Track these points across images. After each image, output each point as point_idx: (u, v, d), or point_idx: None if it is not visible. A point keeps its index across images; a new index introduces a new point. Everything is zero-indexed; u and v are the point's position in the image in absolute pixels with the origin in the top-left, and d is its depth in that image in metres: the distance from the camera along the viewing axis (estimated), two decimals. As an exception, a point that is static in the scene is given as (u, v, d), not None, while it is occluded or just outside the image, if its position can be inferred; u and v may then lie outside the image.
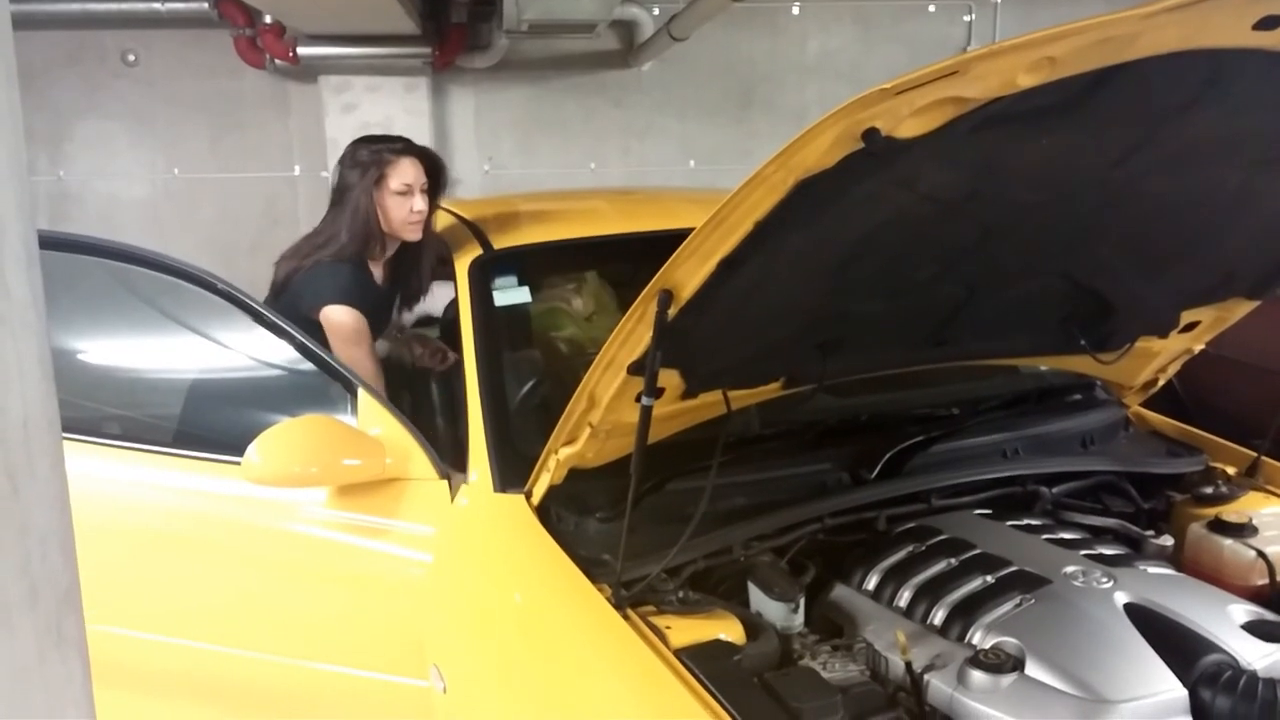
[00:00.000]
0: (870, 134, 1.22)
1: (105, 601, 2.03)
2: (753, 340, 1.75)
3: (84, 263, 2.21)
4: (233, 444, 1.99)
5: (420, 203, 2.50)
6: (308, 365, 2.16)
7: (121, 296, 2.41)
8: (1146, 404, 2.47)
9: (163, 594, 2.25)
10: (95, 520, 2.04)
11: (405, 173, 2.49)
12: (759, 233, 1.36)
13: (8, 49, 0.81)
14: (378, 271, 2.60)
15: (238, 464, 1.94)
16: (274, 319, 2.12)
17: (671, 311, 1.48)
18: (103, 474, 2.22)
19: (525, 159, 6.50)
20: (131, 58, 6.18)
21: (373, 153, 2.51)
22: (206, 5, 5.75)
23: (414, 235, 2.54)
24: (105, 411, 2.44)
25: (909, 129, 1.23)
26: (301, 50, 5.81)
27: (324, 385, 2.19)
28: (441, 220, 2.76)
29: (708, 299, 1.48)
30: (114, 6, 5.76)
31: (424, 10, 5.51)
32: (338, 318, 2.43)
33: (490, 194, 6.20)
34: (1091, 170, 1.52)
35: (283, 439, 1.95)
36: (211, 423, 2.39)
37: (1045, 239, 1.71)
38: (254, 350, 2.27)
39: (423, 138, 6.17)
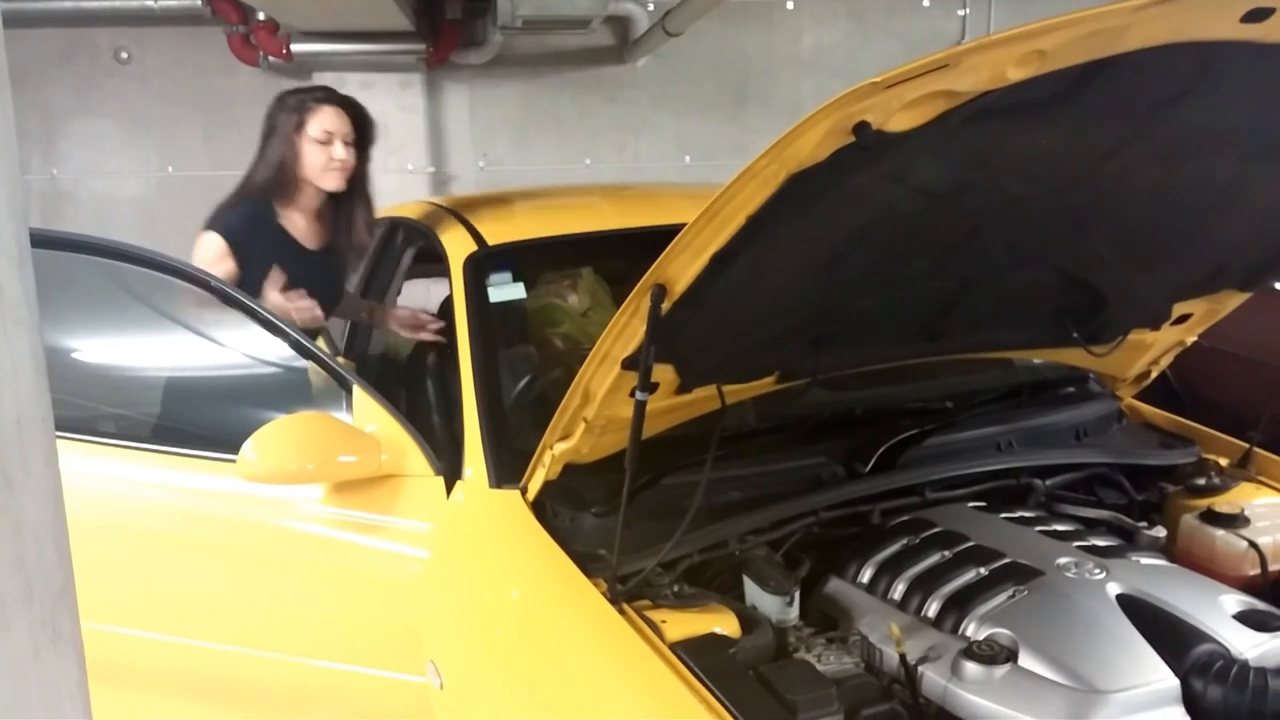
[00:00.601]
0: (861, 128, 1.22)
1: (101, 599, 2.04)
2: (746, 334, 1.75)
3: (78, 261, 2.21)
4: (228, 441, 2.00)
5: (340, 151, 2.54)
6: (303, 362, 2.16)
7: (115, 294, 2.41)
8: (1141, 396, 2.48)
9: (158, 591, 2.25)
10: (91, 518, 2.04)
11: (326, 120, 2.54)
12: (751, 227, 1.37)
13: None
14: (298, 221, 2.61)
15: (233, 461, 1.94)
16: (268, 316, 2.13)
17: (665, 306, 1.48)
18: (98, 472, 2.22)
19: (520, 155, 6.51)
20: (125, 55, 6.17)
21: (296, 100, 2.57)
22: (199, 2, 5.75)
23: (331, 184, 2.57)
24: (100, 410, 2.44)
25: (900, 122, 1.23)
26: (295, 47, 5.81)
27: (319, 382, 2.19)
28: (437, 216, 2.76)
29: (701, 293, 1.48)
30: (107, 4, 5.76)
31: (418, 6, 5.51)
32: (202, 242, 2.48)
33: (486, 190, 6.20)
34: (1083, 163, 1.52)
35: (278, 436, 1.95)
36: (206, 420, 2.39)
37: (1037, 232, 1.71)
38: (248, 347, 2.27)
39: (418, 134, 6.22)
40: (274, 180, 2.54)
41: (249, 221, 2.52)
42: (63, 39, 6.03)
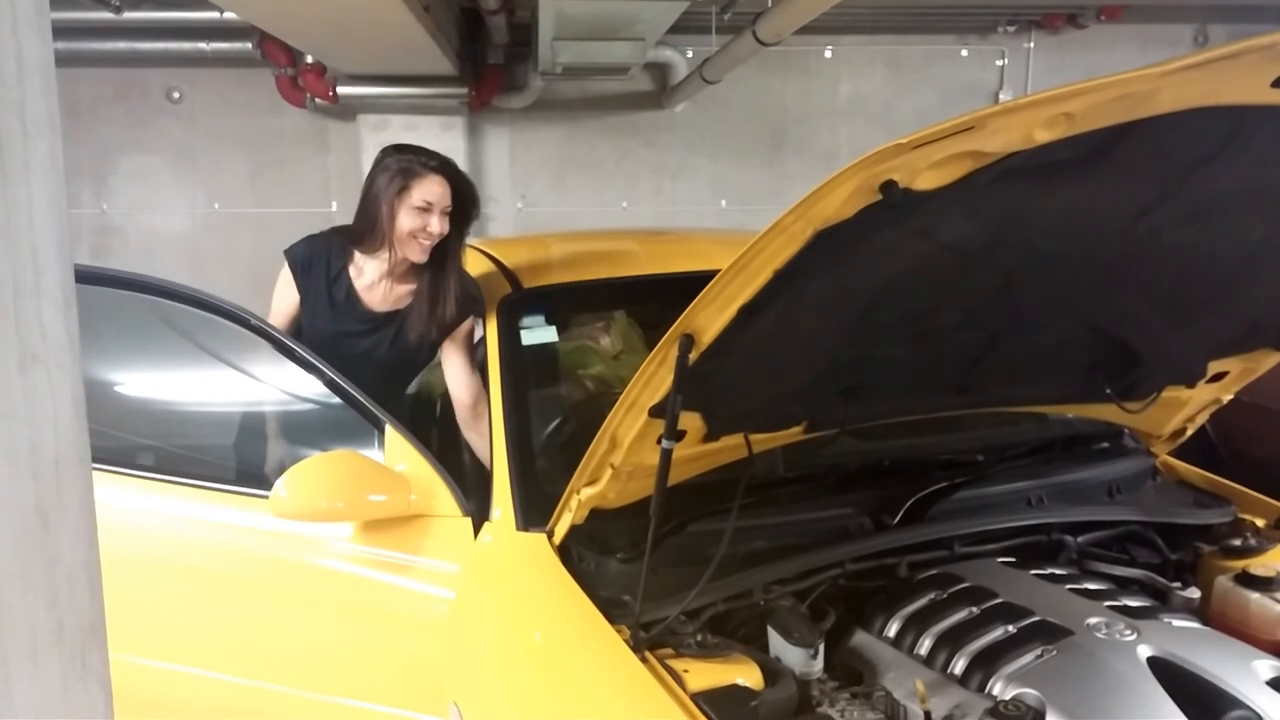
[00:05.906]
0: (888, 186, 1.23)
1: (130, 631, 2.06)
2: (774, 384, 1.75)
3: (120, 295, 2.26)
4: (261, 477, 2.02)
5: (436, 224, 2.42)
6: (336, 400, 2.19)
7: (156, 329, 2.46)
8: (1179, 450, 2.44)
9: (187, 625, 2.27)
10: (122, 550, 2.07)
11: (430, 190, 2.42)
12: (778, 280, 1.38)
13: (52, 101, 0.85)
14: (370, 276, 2.51)
15: (266, 497, 1.97)
16: (304, 355, 2.16)
17: (693, 356, 1.49)
18: (131, 504, 2.26)
19: (559, 197, 6.59)
20: (176, 95, 6.33)
21: (404, 162, 2.47)
22: (250, 45, 5.89)
23: (416, 254, 2.44)
24: (136, 442, 2.48)
25: (927, 181, 1.24)
26: (341, 90, 5.94)
27: (352, 421, 2.22)
28: (472, 259, 2.79)
29: (729, 344, 1.49)
30: (160, 46, 5.92)
31: (462, 52, 5.62)
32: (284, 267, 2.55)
33: (524, 230, 6.29)
34: (1114, 221, 1.52)
35: (310, 474, 1.98)
36: (240, 456, 2.43)
37: (1068, 287, 1.71)
38: (284, 385, 2.31)
39: (457, 176, 6.31)
40: (362, 231, 2.48)
41: (311, 254, 2.52)
42: (117, 78, 6.20)
